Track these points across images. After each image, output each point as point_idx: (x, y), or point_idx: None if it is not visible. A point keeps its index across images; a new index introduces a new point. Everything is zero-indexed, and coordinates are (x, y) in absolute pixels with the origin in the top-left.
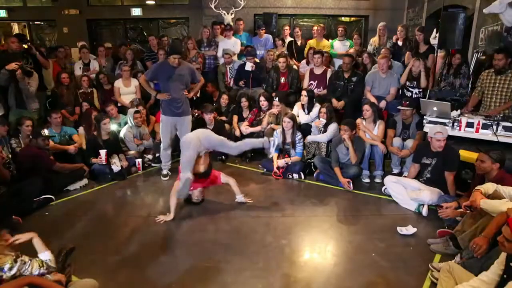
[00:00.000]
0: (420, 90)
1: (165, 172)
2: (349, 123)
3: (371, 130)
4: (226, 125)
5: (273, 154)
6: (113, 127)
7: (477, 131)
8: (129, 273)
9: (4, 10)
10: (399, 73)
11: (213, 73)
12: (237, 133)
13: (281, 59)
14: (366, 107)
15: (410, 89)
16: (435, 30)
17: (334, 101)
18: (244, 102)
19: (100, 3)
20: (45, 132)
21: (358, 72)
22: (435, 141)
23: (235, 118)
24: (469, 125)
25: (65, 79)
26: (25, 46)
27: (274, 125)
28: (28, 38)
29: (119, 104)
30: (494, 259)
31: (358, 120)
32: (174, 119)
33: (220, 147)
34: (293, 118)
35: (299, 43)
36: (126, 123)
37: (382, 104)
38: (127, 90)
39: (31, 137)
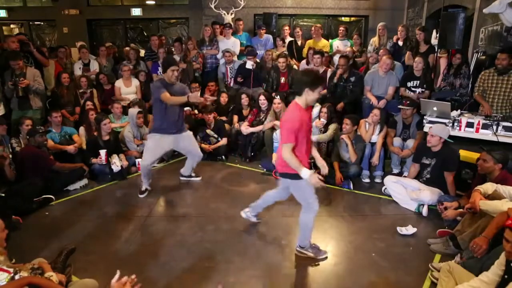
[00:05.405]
0: (423, 90)
1: (143, 188)
2: (352, 118)
3: (372, 132)
4: (226, 125)
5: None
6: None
7: (477, 131)
8: (129, 273)
9: (4, 10)
10: (399, 73)
11: (214, 72)
12: (237, 126)
13: (281, 59)
14: (376, 111)
15: (413, 89)
16: (435, 30)
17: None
18: (245, 98)
19: (100, 3)
20: (41, 128)
21: (357, 72)
22: (428, 136)
23: (235, 117)
24: (469, 125)
25: (65, 79)
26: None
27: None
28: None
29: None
30: (494, 259)
31: (362, 121)
32: (174, 137)
33: None
34: None
35: (299, 43)
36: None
37: (382, 103)
38: (127, 90)
39: (28, 136)
